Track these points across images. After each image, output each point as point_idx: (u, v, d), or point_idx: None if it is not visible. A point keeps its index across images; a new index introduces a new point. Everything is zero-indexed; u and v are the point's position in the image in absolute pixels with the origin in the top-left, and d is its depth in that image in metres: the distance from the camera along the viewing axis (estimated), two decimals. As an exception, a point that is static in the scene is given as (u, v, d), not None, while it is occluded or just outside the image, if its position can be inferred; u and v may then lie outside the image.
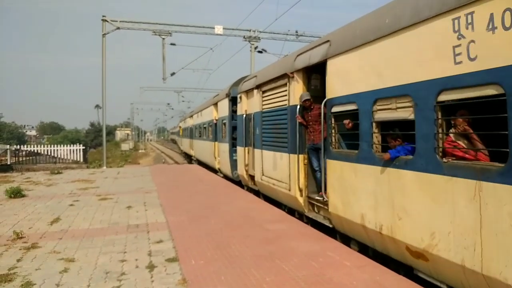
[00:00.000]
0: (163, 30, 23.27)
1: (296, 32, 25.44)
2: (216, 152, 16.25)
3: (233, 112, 13.18)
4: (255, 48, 25.94)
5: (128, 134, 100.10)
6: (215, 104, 16.64)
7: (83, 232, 6.58)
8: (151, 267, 4.80)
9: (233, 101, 13.09)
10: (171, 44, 24.59)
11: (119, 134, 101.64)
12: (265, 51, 25.99)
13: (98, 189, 11.60)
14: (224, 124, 14.47)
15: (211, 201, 9.41)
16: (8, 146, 23.80)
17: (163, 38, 23.44)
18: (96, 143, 59.35)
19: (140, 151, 63.21)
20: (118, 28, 22.08)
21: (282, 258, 5.04)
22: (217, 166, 16.10)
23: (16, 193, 10.19)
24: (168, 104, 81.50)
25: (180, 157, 39.09)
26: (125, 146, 61.87)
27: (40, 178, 15.04)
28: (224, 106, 14.42)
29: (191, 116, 27.22)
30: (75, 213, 8.12)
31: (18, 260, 5.11)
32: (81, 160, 25.19)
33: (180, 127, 41.51)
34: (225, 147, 14.22)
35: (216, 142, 16.16)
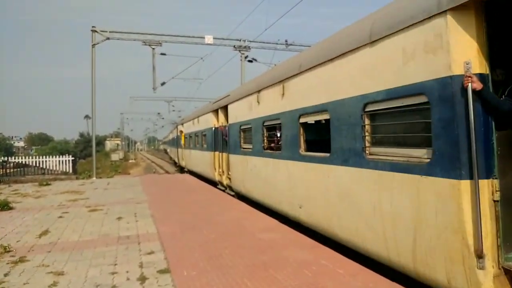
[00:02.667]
0: (153, 40, 23.28)
1: (286, 41, 25.78)
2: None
3: None
4: (246, 57, 26.15)
5: (118, 144, 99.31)
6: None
7: (72, 244, 6.46)
8: (142, 279, 4.73)
9: None
10: (161, 54, 24.62)
11: (109, 144, 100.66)
12: (255, 60, 26.25)
13: (87, 200, 11.43)
14: None
15: (203, 211, 9.33)
16: (-5, 158, 23.40)
17: (153, 48, 23.44)
18: (86, 153, 58.71)
19: (130, 161, 62.65)
20: (108, 38, 22.01)
21: (276, 268, 5.01)
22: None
23: (3, 206, 9.97)
24: (159, 113, 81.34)
25: (171, 166, 38.83)
26: (115, 156, 61.16)
27: (28, 190, 14.77)
28: None
29: (221, 110, 14.22)
30: (64, 225, 7.99)
31: (5, 275, 5.00)
32: (70, 171, 24.88)
33: (181, 132, 26.77)
34: None
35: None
